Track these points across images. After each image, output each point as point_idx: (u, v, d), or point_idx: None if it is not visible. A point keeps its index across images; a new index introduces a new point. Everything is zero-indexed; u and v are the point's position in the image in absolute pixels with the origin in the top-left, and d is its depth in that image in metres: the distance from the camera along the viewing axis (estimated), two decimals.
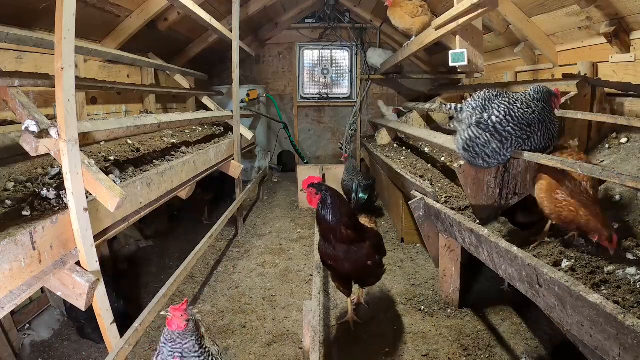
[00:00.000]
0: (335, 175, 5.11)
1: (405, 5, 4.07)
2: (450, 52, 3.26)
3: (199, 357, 1.45)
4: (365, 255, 2.35)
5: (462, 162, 2.27)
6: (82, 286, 1.59)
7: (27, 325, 2.49)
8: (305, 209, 5.16)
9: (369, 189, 4.44)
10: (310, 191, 2.39)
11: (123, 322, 1.97)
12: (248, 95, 5.79)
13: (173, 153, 2.94)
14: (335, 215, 2.31)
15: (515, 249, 1.68)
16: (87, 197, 1.65)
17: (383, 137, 5.44)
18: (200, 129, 4.34)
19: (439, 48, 5.06)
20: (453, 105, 2.17)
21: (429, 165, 3.61)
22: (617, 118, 2.22)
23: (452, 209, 2.45)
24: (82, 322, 2.38)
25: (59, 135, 1.56)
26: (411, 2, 4.07)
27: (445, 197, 2.67)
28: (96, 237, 1.74)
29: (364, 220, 2.72)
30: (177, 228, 4.55)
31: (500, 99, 2.01)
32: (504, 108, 1.94)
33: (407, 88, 6.90)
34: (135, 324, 1.93)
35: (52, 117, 1.73)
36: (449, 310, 2.76)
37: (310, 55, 7.07)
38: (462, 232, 2.20)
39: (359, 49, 6.77)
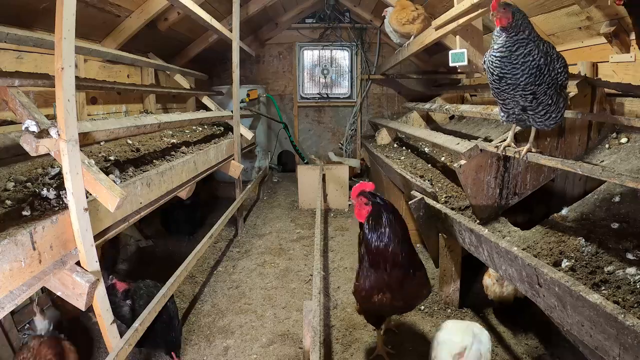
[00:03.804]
0: (336, 176, 5.11)
1: (404, 11, 4.08)
2: (450, 52, 3.26)
3: None
4: (421, 284, 1.99)
5: (462, 162, 2.27)
6: (82, 286, 1.59)
7: (27, 325, 2.48)
8: (306, 209, 5.17)
9: None
10: (360, 201, 1.95)
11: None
12: (248, 95, 5.79)
13: (173, 153, 2.94)
14: (392, 235, 1.90)
15: (515, 249, 1.68)
16: (87, 197, 1.65)
17: (383, 137, 5.44)
18: (200, 128, 4.34)
19: (439, 48, 5.05)
20: None
21: (429, 165, 3.61)
22: (617, 118, 2.22)
23: (452, 209, 2.45)
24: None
25: (59, 135, 1.56)
26: (409, 8, 4.07)
27: (445, 197, 2.67)
28: (96, 237, 1.74)
29: None
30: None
31: None
32: None
33: (407, 88, 6.90)
34: (135, 324, 1.94)
35: (52, 117, 1.73)
36: (449, 310, 2.76)
37: (310, 55, 7.07)
38: (462, 232, 2.20)
39: (359, 49, 6.77)
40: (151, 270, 3.48)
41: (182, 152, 3.05)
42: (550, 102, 1.82)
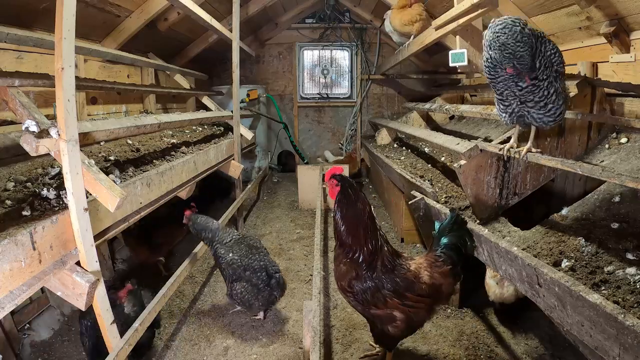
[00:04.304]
0: None
1: (406, 11, 4.09)
2: (450, 52, 3.26)
3: None
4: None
5: (462, 162, 2.27)
6: (82, 286, 1.59)
7: (27, 325, 2.49)
8: (306, 208, 5.16)
9: None
10: (331, 183, 2.07)
11: None
12: (248, 95, 5.79)
13: (173, 153, 2.94)
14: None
15: (515, 249, 1.68)
16: (87, 197, 1.65)
17: (383, 137, 5.44)
18: (200, 129, 4.34)
19: (439, 48, 5.06)
20: None
21: (429, 165, 3.61)
22: (617, 118, 2.22)
23: (452, 209, 2.45)
24: None
25: (59, 135, 1.56)
26: (411, 8, 4.09)
27: (445, 197, 2.67)
28: (96, 237, 1.74)
29: None
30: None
31: None
32: None
33: (407, 88, 6.90)
34: (135, 324, 1.94)
35: (52, 117, 1.73)
36: (449, 310, 2.76)
37: (310, 55, 7.07)
38: None
39: (359, 49, 6.77)
40: (151, 270, 3.48)
41: (182, 152, 3.05)
42: (550, 89, 1.81)
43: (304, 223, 4.68)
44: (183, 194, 2.92)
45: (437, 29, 3.35)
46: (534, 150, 2.02)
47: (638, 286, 1.43)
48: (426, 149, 4.14)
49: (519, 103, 1.91)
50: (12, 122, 2.34)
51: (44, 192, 1.71)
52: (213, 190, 5.34)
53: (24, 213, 1.54)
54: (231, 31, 4.14)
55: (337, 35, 6.78)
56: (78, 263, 1.66)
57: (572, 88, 2.37)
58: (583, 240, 1.80)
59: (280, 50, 6.95)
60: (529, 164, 2.19)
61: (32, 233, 1.42)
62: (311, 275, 3.25)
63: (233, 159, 4.13)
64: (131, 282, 2.25)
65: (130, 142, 2.86)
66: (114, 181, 1.86)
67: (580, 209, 2.08)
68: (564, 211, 2.13)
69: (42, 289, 2.46)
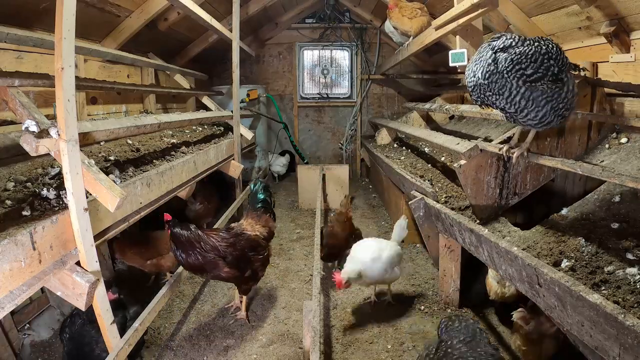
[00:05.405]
0: (336, 176, 5.11)
1: (404, 7, 4.10)
2: (450, 52, 3.26)
3: None
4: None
5: (462, 162, 2.27)
6: (82, 286, 1.59)
7: (27, 325, 2.49)
8: (306, 209, 5.16)
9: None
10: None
11: None
12: (248, 95, 5.79)
13: (173, 153, 2.94)
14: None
15: (515, 249, 1.68)
16: (87, 197, 1.65)
17: (383, 137, 5.44)
18: (200, 128, 4.34)
19: (439, 48, 5.06)
20: None
21: (429, 165, 3.61)
22: (617, 118, 2.22)
23: (452, 209, 2.45)
24: None
25: (59, 135, 1.56)
26: (410, 3, 4.10)
27: (445, 197, 2.67)
28: (96, 237, 1.74)
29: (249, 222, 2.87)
30: None
31: None
32: None
33: (407, 88, 6.90)
34: (135, 324, 1.94)
35: (52, 117, 1.73)
36: (449, 310, 2.76)
37: (310, 55, 7.07)
38: (462, 232, 2.20)
39: (359, 48, 6.77)
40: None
41: (182, 152, 3.05)
42: (521, 102, 1.75)
43: (304, 223, 4.68)
44: (183, 194, 2.92)
45: (437, 29, 3.36)
46: (530, 150, 2.02)
47: (638, 286, 1.43)
48: (426, 149, 4.14)
49: (504, 113, 1.90)
50: (12, 122, 2.34)
51: (44, 192, 1.71)
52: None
53: (24, 213, 1.54)
54: (231, 31, 4.15)
55: (337, 35, 6.78)
56: (78, 263, 1.66)
57: None
58: (583, 240, 1.79)
59: (280, 50, 6.95)
60: (529, 163, 2.19)
61: (32, 233, 1.42)
62: (311, 275, 3.25)
63: (233, 159, 4.14)
64: (112, 291, 2.09)
65: (130, 142, 2.86)
66: (114, 181, 1.86)
67: (580, 209, 2.08)
68: (564, 211, 2.13)
69: (42, 289, 2.46)
